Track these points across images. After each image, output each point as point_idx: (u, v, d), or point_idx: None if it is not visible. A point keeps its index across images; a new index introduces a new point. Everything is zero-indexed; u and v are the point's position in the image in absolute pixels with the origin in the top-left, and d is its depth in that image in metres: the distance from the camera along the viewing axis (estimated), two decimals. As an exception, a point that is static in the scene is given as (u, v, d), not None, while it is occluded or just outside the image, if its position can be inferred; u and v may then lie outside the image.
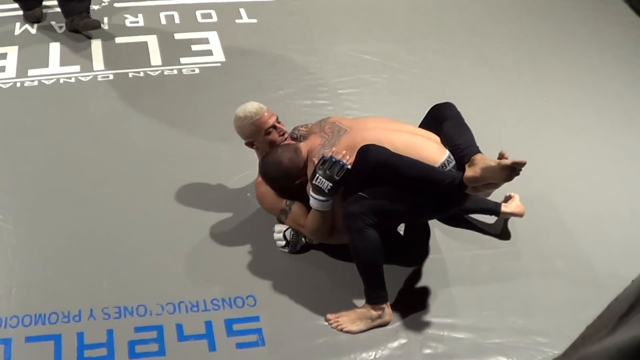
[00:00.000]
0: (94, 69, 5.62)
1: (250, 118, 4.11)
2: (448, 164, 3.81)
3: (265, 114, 4.12)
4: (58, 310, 3.78)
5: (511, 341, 3.78)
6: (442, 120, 4.04)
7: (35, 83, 5.43)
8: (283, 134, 4.17)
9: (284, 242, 4.18)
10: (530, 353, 3.71)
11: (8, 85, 5.39)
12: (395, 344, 3.75)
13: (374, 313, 3.80)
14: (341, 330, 3.79)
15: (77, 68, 5.61)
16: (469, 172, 3.64)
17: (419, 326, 3.83)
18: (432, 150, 3.86)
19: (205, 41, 6.01)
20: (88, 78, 5.52)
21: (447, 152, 3.86)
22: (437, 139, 3.98)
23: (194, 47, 5.92)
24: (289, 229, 4.17)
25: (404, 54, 5.82)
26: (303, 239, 4.17)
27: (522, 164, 3.56)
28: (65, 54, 5.76)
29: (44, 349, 3.62)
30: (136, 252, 4.16)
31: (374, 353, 3.69)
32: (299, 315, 3.87)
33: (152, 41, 5.97)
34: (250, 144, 4.24)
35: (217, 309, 3.85)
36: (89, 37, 5.91)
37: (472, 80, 5.69)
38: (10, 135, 4.94)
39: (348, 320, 3.81)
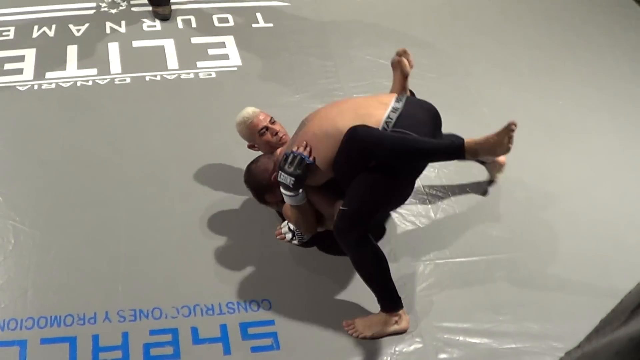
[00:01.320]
0: (111, 72, 5.63)
1: (245, 122, 4.32)
2: (389, 117, 3.81)
3: (260, 116, 4.31)
4: (73, 312, 3.80)
5: (527, 346, 3.77)
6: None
7: (53, 86, 5.44)
8: (276, 134, 4.28)
9: (290, 235, 4.24)
10: (546, 358, 3.70)
11: (26, 87, 5.41)
12: (411, 348, 3.74)
13: (389, 319, 3.80)
14: (357, 336, 3.78)
15: (94, 71, 5.63)
16: (471, 140, 3.70)
17: (435, 331, 3.83)
18: (373, 120, 3.82)
19: (222, 45, 6.02)
20: (105, 81, 5.53)
21: (387, 111, 3.85)
22: (386, 99, 3.98)
23: (211, 51, 5.93)
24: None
25: (419, 58, 5.78)
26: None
27: (513, 123, 3.66)
28: (83, 57, 5.77)
29: (59, 350, 3.63)
30: (152, 255, 4.18)
31: (388, 358, 3.69)
32: (314, 319, 3.87)
33: (169, 45, 5.98)
34: (251, 147, 4.41)
35: (233, 312, 3.86)
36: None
37: (487, 84, 5.68)
38: (27, 137, 4.95)
39: (364, 326, 3.81)
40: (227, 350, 3.67)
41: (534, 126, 5.21)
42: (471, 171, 4.80)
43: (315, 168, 3.85)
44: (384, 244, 4.24)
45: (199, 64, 5.78)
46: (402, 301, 3.84)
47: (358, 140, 3.66)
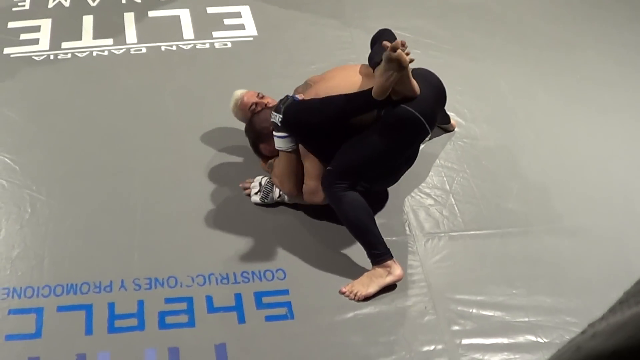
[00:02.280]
0: (127, 42, 5.63)
1: (236, 105, 4.43)
2: None
3: (246, 95, 4.41)
4: (90, 281, 3.83)
5: (540, 320, 3.77)
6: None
7: (69, 56, 5.45)
8: (264, 107, 4.33)
9: (256, 189, 4.29)
10: (559, 332, 3.70)
11: (42, 57, 5.42)
12: (424, 320, 3.75)
13: (381, 271, 3.84)
14: (359, 298, 3.82)
15: (110, 41, 5.63)
16: (374, 88, 3.65)
17: (448, 303, 3.84)
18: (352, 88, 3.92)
19: (238, 15, 6.00)
20: (121, 51, 5.53)
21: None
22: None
23: (227, 21, 5.91)
24: (266, 178, 4.31)
25: (436, 30, 5.78)
26: (276, 193, 4.26)
27: (398, 44, 3.52)
28: (99, 27, 5.77)
29: (76, 318, 3.66)
30: (167, 224, 4.20)
31: (402, 329, 3.70)
32: (328, 289, 3.88)
33: (184, 15, 5.96)
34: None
35: (247, 281, 3.88)
36: None
37: (504, 57, 5.65)
38: (43, 107, 4.97)
39: (360, 286, 3.85)
40: (241, 319, 3.70)
41: (550, 100, 5.20)
42: (487, 144, 4.79)
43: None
44: (398, 216, 4.26)
45: (215, 34, 5.77)
46: (416, 272, 3.88)
47: (287, 123, 3.87)
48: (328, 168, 3.88)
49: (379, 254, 3.85)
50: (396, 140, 3.88)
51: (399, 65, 3.53)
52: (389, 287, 3.87)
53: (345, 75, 4.07)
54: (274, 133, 4.00)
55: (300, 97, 3.98)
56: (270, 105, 4.28)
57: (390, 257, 3.86)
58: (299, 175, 4.09)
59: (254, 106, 4.35)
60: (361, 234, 3.89)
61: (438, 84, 4.02)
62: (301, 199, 4.17)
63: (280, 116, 3.87)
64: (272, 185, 4.26)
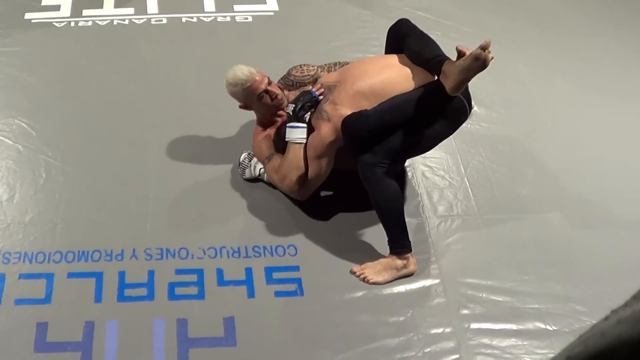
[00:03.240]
0: (148, 12, 5.63)
1: (242, 85, 4.10)
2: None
3: (257, 78, 4.10)
4: (101, 248, 3.85)
5: (549, 307, 3.77)
6: (402, 40, 3.98)
7: (89, 23, 5.46)
8: (275, 97, 4.14)
9: (238, 163, 4.31)
10: (568, 321, 3.70)
11: (62, 24, 5.43)
12: (434, 302, 3.76)
13: (399, 263, 3.84)
14: (367, 281, 3.82)
15: (131, 10, 5.63)
16: (448, 84, 3.59)
17: (458, 286, 3.84)
18: (421, 79, 3.83)
19: (260, -11, 5.99)
20: (142, 21, 5.53)
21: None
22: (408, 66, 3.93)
23: (248, -5, 5.90)
24: (247, 154, 4.31)
25: (457, 11, 5.76)
26: (256, 171, 4.27)
27: (488, 44, 3.53)
28: (120, -5, 5.78)
29: (86, 285, 3.69)
30: (181, 195, 4.21)
31: (411, 310, 3.70)
32: (338, 267, 3.89)
33: (206, -13, 5.96)
34: (244, 107, 4.25)
35: (258, 256, 3.88)
36: None
37: (524, 41, 5.62)
38: (62, 74, 4.98)
39: (373, 271, 3.85)
40: (251, 294, 3.71)
41: (568, 86, 5.17)
42: (504, 129, 4.77)
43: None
44: (412, 197, 4.25)
45: (236, 7, 5.75)
46: (429, 255, 3.88)
47: (349, 133, 3.73)
48: (373, 149, 3.78)
49: (401, 244, 3.85)
50: (450, 128, 3.90)
51: (483, 65, 3.52)
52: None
53: (384, 66, 3.94)
54: (288, 124, 3.98)
55: (317, 91, 3.94)
56: (277, 92, 4.14)
57: (410, 250, 3.86)
58: (304, 170, 4.02)
59: (263, 94, 4.12)
60: (390, 221, 3.86)
61: None
62: (286, 189, 4.15)
63: (292, 106, 3.90)
64: (250, 160, 4.27)
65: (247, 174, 4.28)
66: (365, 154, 3.75)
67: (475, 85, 4.88)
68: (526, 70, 5.27)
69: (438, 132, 3.88)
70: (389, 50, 4.09)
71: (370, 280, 3.82)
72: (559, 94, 5.11)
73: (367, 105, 3.76)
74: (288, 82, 4.32)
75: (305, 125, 3.95)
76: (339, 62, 4.35)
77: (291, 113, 3.92)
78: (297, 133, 3.95)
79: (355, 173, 3.85)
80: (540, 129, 4.78)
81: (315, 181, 4.03)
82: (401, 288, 3.81)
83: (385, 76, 3.82)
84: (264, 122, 4.28)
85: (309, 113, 3.96)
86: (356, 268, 3.87)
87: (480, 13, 5.84)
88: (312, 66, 4.34)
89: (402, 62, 3.92)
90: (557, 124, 4.84)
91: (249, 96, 4.12)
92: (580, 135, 4.79)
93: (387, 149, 3.74)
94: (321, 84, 4.07)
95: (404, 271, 3.85)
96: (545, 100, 5.01)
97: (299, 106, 3.90)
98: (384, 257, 3.90)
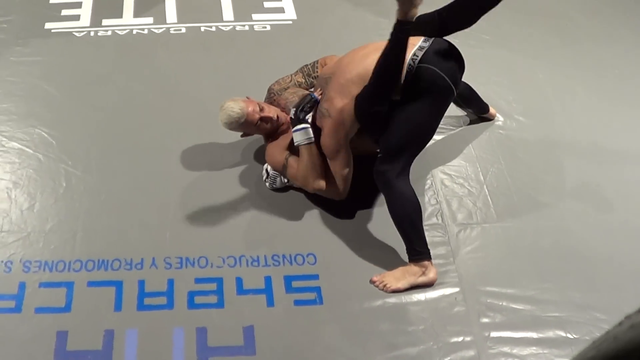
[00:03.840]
0: (167, 22, 5.65)
1: (237, 121, 4.13)
2: (415, 54, 3.78)
3: (249, 109, 4.12)
4: (121, 257, 3.87)
5: (570, 315, 3.75)
6: None
7: (109, 33, 5.48)
8: (270, 120, 4.17)
9: (265, 176, 4.31)
10: (589, 329, 3.67)
11: (82, 33, 5.46)
12: (453, 311, 3.75)
13: (416, 269, 3.85)
14: (387, 290, 3.82)
15: (150, 20, 5.65)
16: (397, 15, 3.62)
17: (478, 295, 3.83)
18: None
19: (278, -2, 6.01)
20: (161, 30, 5.56)
21: (414, 49, 3.81)
22: (413, 41, 3.86)
23: (266, 4, 5.91)
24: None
25: (476, 19, 5.75)
26: (284, 179, 4.26)
27: None
28: (139, 5, 5.80)
29: (105, 294, 3.70)
30: (201, 204, 4.22)
31: (431, 319, 3.69)
32: (358, 276, 3.88)
33: (225, -4, 5.98)
34: (246, 135, 4.34)
35: (278, 264, 3.89)
36: None
37: (543, 49, 5.60)
38: (81, 84, 5.00)
39: (393, 279, 3.85)
40: (270, 302, 3.71)
41: (588, 94, 5.15)
42: (523, 136, 4.76)
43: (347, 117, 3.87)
44: (431, 205, 4.25)
45: (255, 16, 5.77)
46: (448, 263, 3.89)
47: (359, 110, 3.82)
48: (379, 156, 3.88)
49: (419, 251, 3.86)
50: (430, 105, 3.83)
51: None
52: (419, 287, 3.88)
53: (369, 52, 3.97)
54: (293, 129, 4.01)
55: (318, 95, 4.01)
56: (271, 115, 4.18)
57: (429, 257, 3.86)
58: (323, 167, 4.06)
59: (259, 122, 4.16)
60: (405, 227, 3.87)
61: (455, 51, 3.96)
62: (323, 193, 4.15)
63: (294, 109, 3.96)
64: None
65: (279, 183, 4.28)
66: (377, 164, 3.86)
67: (495, 92, 4.92)
68: (545, 78, 5.26)
69: (421, 111, 3.84)
70: None
71: (390, 288, 3.82)
72: (579, 101, 5.09)
73: (357, 89, 3.81)
74: (272, 98, 4.41)
75: (308, 125, 3.98)
76: (309, 64, 4.45)
77: (293, 117, 3.97)
78: (303, 135, 3.99)
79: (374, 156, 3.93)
80: (560, 137, 4.76)
81: (345, 175, 4.05)
82: (421, 297, 3.80)
83: (369, 60, 3.82)
84: (270, 136, 4.32)
85: (311, 114, 4.00)
86: (375, 277, 3.87)
87: (498, 20, 5.82)
88: (288, 76, 4.46)
89: (383, 45, 3.90)
90: (577, 131, 4.82)
91: (247, 127, 4.18)
92: (600, 142, 4.77)
93: (387, 151, 3.84)
94: (319, 79, 4.18)
95: (423, 278, 3.84)
96: (565, 108, 4.99)
97: (299, 108, 3.96)
98: (404, 263, 3.90)
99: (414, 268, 3.85)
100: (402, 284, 3.83)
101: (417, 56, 3.74)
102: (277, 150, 4.22)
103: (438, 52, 3.79)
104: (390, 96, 3.77)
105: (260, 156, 4.46)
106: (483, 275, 3.93)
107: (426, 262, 3.84)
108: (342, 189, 4.09)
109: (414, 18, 3.56)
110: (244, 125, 4.14)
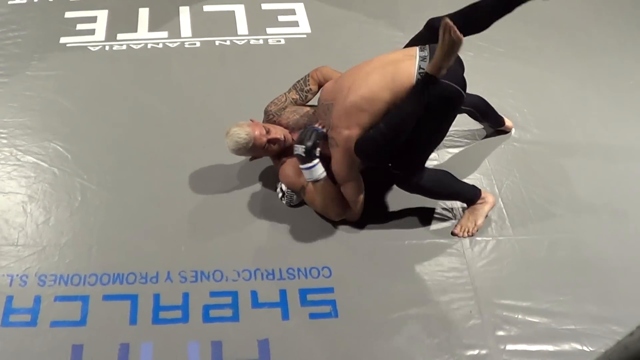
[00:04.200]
0: (182, 36, 5.67)
1: (245, 146, 4.09)
2: (421, 67, 3.73)
3: (256, 133, 4.07)
4: (136, 271, 3.87)
5: (586, 328, 3.74)
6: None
7: (124, 47, 5.50)
8: (277, 141, 4.13)
9: (280, 194, 4.31)
10: (605, 341, 3.65)
11: (97, 48, 5.48)
12: (469, 324, 3.74)
13: (478, 205, 4.19)
14: (474, 231, 4.18)
15: (165, 34, 5.67)
16: (428, 67, 3.55)
17: (494, 308, 3.82)
18: (403, 72, 3.76)
19: (292, 12, 6.01)
20: (175, 44, 5.57)
21: (416, 61, 3.77)
22: (410, 52, 3.90)
23: (281, 18, 5.93)
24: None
25: (489, 32, 5.66)
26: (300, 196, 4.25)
27: (445, 25, 3.43)
28: (154, 19, 5.82)
29: (121, 308, 3.70)
30: (215, 217, 4.23)
31: (446, 332, 3.68)
32: (373, 289, 3.88)
33: (239, 10, 5.99)
34: (255, 158, 4.31)
35: (293, 278, 3.89)
36: None
37: (557, 61, 5.59)
38: (96, 98, 5.02)
39: (468, 222, 4.20)
40: (285, 315, 3.71)
41: (603, 106, 5.14)
42: (538, 149, 4.75)
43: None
44: (447, 219, 4.28)
45: (269, 30, 5.78)
46: (463, 276, 3.95)
47: (365, 158, 3.86)
48: (395, 173, 3.97)
49: (473, 195, 4.19)
50: (445, 116, 3.85)
51: (452, 39, 3.45)
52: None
53: (369, 72, 3.89)
54: (301, 166, 3.98)
55: (321, 126, 3.98)
56: (279, 136, 4.13)
57: (479, 190, 4.21)
58: (339, 195, 4.06)
59: (267, 145, 4.11)
60: (452, 195, 4.22)
61: None
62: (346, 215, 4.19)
63: (303, 147, 3.90)
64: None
65: (296, 200, 4.29)
66: (397, 181, 4.00)
67: (509, 105, 4.92)
68: (560, 90, 5.25)
69: (439, 125, 3.88)
70: (415, 40, 4.17)
71: (475, 229, 4.18)
72: (593, 113, 5.08)
73: (365, 116, 3.76)
74: (271, 120, 4.37)
75: (318, 160, 3.95)
76: (301, 79, 4.46)
77: (304, 154, 3.91)
78: (315, 172, 3.96)
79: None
80: (575, 149, 4.75)
81: (359, 200, 4.07)
82: (436, 309, 3.80)
83: (371, 81, 3.78)
84: (279, 157, 4.29)
85: (319, 148, 3.96)
86: (456, 230, 4.20)
87: (512, 33, 5.82)
88: (282, 95, 4.43)
89: (383, 61, 3.91)
90: (592, 144, 4.81)
91: (255, 150, 4.14)
92: (615, 155, 4.75)
93: (408, 165, 3.92)
94: (320, 106, 4.14)
95: (487, 206, 4.21)
96: (579, 120, 4.98)
97: (309, 146, 3.90)
98: (419, 276, 3.96)
99: (476, 206, 4.19)
100: (479, 221, 4.18)
101: (423, 69, 3.70)
102: (292, 171, 4.15)
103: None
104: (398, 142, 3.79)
105: (273, 172, 4.45)
106: (498, 288, 3.92)
107: (481, 194, 4.20)
108: (356, 212, 4.12)
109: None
110: (252, 149, 4.11)
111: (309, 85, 4.40)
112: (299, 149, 3.90)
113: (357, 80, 3.86)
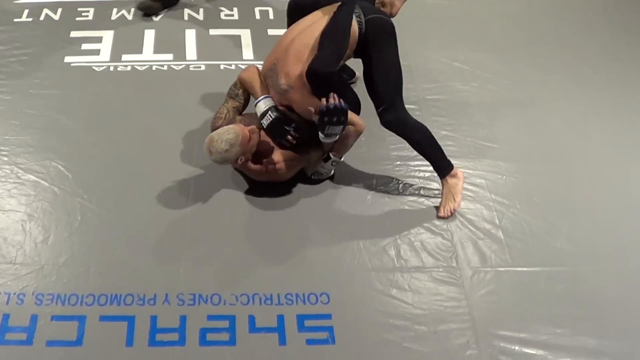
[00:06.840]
0: (187, 58, 5.69)
1: (236, 142, 4.12)
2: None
3: (239, 126, 4.19)
4: (134, 292, 3.86)
5: (583, 361, 3.74)
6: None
7: (128, 68, 5.51)
8: (255, 131, 4.26)
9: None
10: (601, 375, 3.66)
11: (102, 68, 5.49)
12: (466, 354, 3.74)
13: (453, 181, 4.44)
14: (455, 210, 4.44)
15: (170, 56, 5.68)
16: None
17: (491, 339, 3.81)
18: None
19: (298, 39, 6.02)
20: (180, 67, 5.58)
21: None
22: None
23: (286, 44, 5.94)
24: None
25: (494, 64, 5.76)
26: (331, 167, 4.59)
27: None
28: (160, 41, 5.84)
29: (117, 329, 3.69)
30: (215, 241, 4.22)
31: (444, 363, 3.68)
32: (370, 316, 3.87)
33: (245, 35, 6.01)
34: (242, 166, 4.39)
35: (290, 303, 3.88)
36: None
37: (560, 94, 5.60)
38: (99, 118, 5.02)
39: (449, 202, 4.44)
40: (282, 341, 3.70)
41: (605, 141, 5.15)
42: (539, 181, 4.76)
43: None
44: (446, 247, 4.25)
45: (274, 55, 5.79)
46: (461, 306, 3.95)
47: (317, 79, 4.13)
48: (380, 109, 4.33)
49: (446, 165, 4.43)
50: (393, 44, 4.43)
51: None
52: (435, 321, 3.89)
53: (303, 28, 4.36)
54: (326, 140, 4.26)
55: (344, 104, 4.09)
56: (252, 125, 4.31)
57: (452, 165, 4.45)
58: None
59: (250, 137, 4.18)
60: (431, 148, 4.42)
61: None
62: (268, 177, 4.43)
63: (340, 127, 4.13)
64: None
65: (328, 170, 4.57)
66: (382, 115, 4.35)
67: (512, 137, 4.92)
68: (563, 123, 5.26)
69: (396, 53, 4.42)
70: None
71: (456, 207, 4.45)
72: (596, 148, 5.08)
73: (310, 54, 4.19)
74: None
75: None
76: (231, 85, 4.64)
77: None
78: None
79: None
80: (576, 183, 4.76)
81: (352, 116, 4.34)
82: (434, 338, 3.80)
83: (308, 30, 4.28)
84: (258, 158, 4.40)
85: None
86: (442, 213, 4.44)
87: (517, 66, 5.84)
88: (221, 108, 4.56)
89: (311, 18, 4.38)
90: (593, 178, 4.81)
91: (245, 144, 4.16)
92: (616, 189, 4.76)
93: (389, 98, 4.35)
94: (265, 75, 4.45)
95: (460, 181, 4.46)
96: (581, 154, 4.99)
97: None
98: (418, 304, 3.94)
99: (450, 181, 4.44)
100: (458, 198, 4.45)
101: (359, 12, 4.30)
102: (285, 154, 4.40)
103: (363, 4, 4.40)
104: (343, 55, 4.26)
105: (277, 194, 4.47)
106: (496, 319, 3.92)
107: (453, 170, 4.44)
108: (359, 122, 4.42)
109: None
110: (242, 142, 4.12)
111: (239, 87, 4.56)
112: (337, 129, 4.15)
113: (300, 34, 4.32)
